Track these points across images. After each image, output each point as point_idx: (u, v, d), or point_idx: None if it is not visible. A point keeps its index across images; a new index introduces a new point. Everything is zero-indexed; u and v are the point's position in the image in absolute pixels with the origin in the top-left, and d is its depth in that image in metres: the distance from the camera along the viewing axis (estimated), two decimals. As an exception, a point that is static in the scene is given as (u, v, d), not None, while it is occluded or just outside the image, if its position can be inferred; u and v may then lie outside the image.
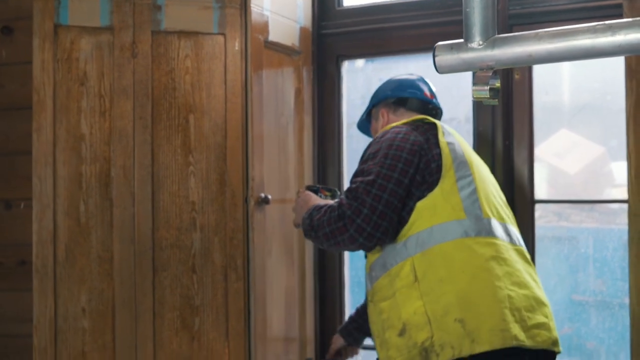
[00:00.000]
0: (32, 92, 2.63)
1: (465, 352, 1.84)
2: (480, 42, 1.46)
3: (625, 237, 2.96)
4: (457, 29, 2.93)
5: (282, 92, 2.87)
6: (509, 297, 1.89)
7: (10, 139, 2.92)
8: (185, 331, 2.59)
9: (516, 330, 1.86)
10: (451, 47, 1.50)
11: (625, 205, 2.98)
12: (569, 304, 3.01)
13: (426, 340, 1.87)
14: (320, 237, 1.99)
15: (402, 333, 1.91)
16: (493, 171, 2.49)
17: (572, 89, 3.17)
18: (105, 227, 2.54)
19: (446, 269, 1.89)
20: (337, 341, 2.73)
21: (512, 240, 2.01)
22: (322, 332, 3.08)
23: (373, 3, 3.09)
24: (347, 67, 3.16)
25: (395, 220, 1.91)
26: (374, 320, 2.03)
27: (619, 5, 2.52)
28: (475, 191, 1.96)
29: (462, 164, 1.97)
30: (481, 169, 2.07)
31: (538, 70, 2.85)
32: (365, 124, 2.54)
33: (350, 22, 3.08)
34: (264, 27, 2.70)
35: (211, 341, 2.60)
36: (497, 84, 1.48)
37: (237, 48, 2.63)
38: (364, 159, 2.04)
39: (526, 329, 1.90)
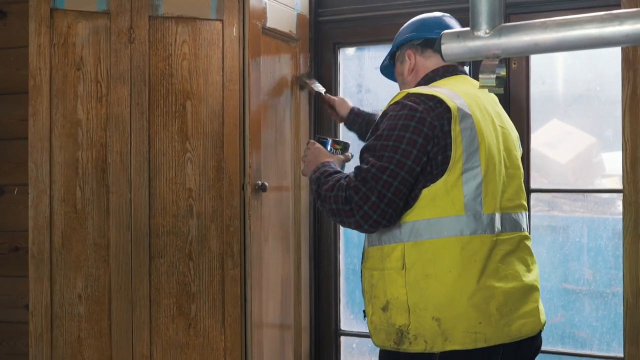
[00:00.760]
0: (25, 77, 2.61)
1: (437, 349, 1.87)
2: (487, 31, 1.46)
3: (617, 226, 2.99)
4: (455, 17, 2.94)
5: (280, 79, 2.86)
6: (493, 295, 1.90)
7: (3, 123, 2.90)
8: (181, 318, 2.59)
9: (491, 331, 1.89)
10: (457, 35, 1.49)
11: (616, 195, 3.02)
12: (560, 293, 3.03)
13: (403, 326, 1.90)
14: (326, 209, 1.95)
15: (385, 308, 1.94)
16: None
17: (564, 80, 3.17)
18: (101, 214, 2.53)
19: (434, 266, 1.88)
20: (343, 104, 2.80)
21: (512, 229, 2.00)
22: (317, 319, 3.09)
23: (370, -10, 3.08)
24: (343, 54, 3.16)
25: (401, 206, 1.89)
26: (366, 277, 2.04)
27: (618, -5, 2.53)
28: (480, 184, 1.91)
29: (472, 154, 1.90)
30: (494, 152, 1.96)
31: (535, 59, 2.85)
32: (389, 68, 2.38)
33: (347, 9, 3.07)
34: (262, 14, 2.68)
35: (207, 328, 2.60)
36: (503, 72, 1.49)
37: (234, 34, 2.61)
38: (377, 134, 1.92)
39: (511, 323, 1.92)
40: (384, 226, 1.89)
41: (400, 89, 2.23)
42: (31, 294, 2.47)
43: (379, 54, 3.14)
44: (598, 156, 3.36)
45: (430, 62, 2.16)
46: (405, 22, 2.91)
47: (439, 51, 2.06)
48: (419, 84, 2.13)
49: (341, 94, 3.13)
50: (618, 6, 2.54)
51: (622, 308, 2.69)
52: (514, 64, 2.83)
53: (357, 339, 3.18)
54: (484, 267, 1.90)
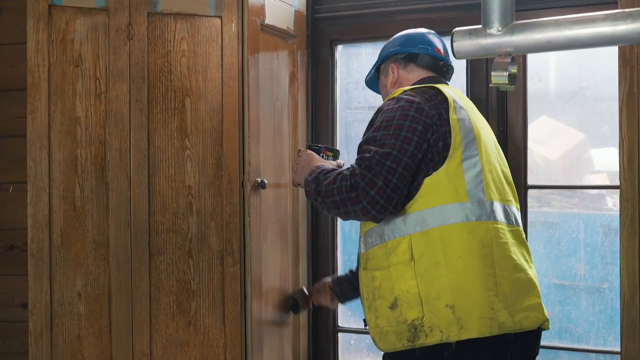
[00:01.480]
0: (21, 74, 2.59)
1: (453, 338, 1.88)
2: (499, 29, 1.47)
3: (606, 222, 3.02)
4: (451, 14, 2.96)
5: (277, 76, 2.85)
6: (500, 283, 1.93)
7: (-1, 121, 2.87)
8: (181, 315, 2.58)
9: (504, 317, 1.91)
10: (469, 33, 1.50)
11: (605, 191, 3.05)
12: (550, 289, 3.05)
13: (416, 320, 1.90)
14: (328, 204, 1.94)
15: (393, 307, 1.94)
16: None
17: (554, 77, 3.19)
18: (101, 211, 2.51)
19: (444, 253, 1.90)
20: (324, 286, 2.75)
21: (510, 222, 2.03)
22: (315, 316, 3.09)
23: (367, -13, 3.08)
24: (340, 51, 3.15)
25: (404, 194, 1.90)
26: (365, 283, 2.04)
27: (614, -7, 2.56)
28: (480, 172, 1.95)
29: (470, 143, 1.95)
30: (488, 145, 2.04)
31: (531, 56, 2.87)
32: (374, 80, 2.45)
33: (344, 6, 3.07)
34: (261, 10, 2.68)
35: (207, 325, 2.60)
36: (514, 69, 1.50)
37: (233, 31, 2.60)
38: (375, 126, 1.96)
39: (515, 313, 1.94)
40: (390, 213, 1.89)
41: (383, 100, 2.25)
42: (30, 292, 2.45)
43: (376, 50, 3.14)
44: (587, 152, 3.39)
45: (413, 75, 2.22)
46: (401, 18, 2.93)
47: (423, 65, 2.21)
48: None
49: (338, 91, 3.13)
50: (615, 4, 2.56)
51: (614, 303, 2.73)
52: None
53: (354, 336, 3.18)
54: (491, 253, 1.93)
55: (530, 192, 2.91)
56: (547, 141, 3.42)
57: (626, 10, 1.38)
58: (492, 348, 1.90)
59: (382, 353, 2.05)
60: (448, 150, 1.91)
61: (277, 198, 2.85)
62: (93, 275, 2.51)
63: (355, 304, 3.14)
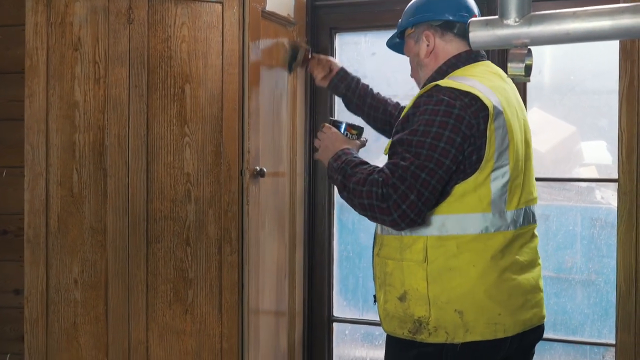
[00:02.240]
0: (16, 57, 2.55)
1: (458, 340, 1.88)
2: (517, 19, 1.46)
3: (596, 215, 3.04)
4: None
5: (276, 63, 2.83)
6: (512, 287, 1.92)
7: (-6, 104, 2.82)
8: (178, 304, 2.56)
9: (509, 322, 1.91)
10: (486, 24, 1.49)
11: (595, 184, 3.07)
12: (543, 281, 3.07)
13: (423, 317, 1.90)
14: (354, 203, 1.89)
15: (402, 298, 1.93)
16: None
17: (548, 69, 3.20)
18: (98, 198, 2.48)
19: (458, 260, 1.88)
20: (327, 65, 2.70)
21: (528, 222, 2.01)
22: (310, 306, 3.09)
23: (367, -25, 3.06)
24: (340, 39, 3.13)
25: (434, 204, 1.86)
26: (378, 264, 2.02)
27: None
28: (507, 183, 1.90)
29: (502, 152, 1.88)
30: (519, 144, 1.95)
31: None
32: (397, 43, 2.28)
33: (344, -6, 3.05)
34: (262, -4, 2.65)
35: (204, 314, 2.58)
36: (530, 61, 1.49)
37: (235, 17, 2.57)
38: (413, 128, 1.86)
39: (520, 316, 1.94)
40: (418, 225, 1.85)
41: (413, 69, 2.17)
42: (26, 278, 2.42)
43: (375, 38, 3.13)
44: (577, 145, 3.40)
45: (451, 46, 2.07)
46: (402, 8, 2.87)
47: (461, 35, 2.05)
48: (439, 69, 2.06)
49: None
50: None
51: (609, 295, 2.75)
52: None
53: (349, 326, 3.18)
54: (504, 261, 1.92)
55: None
56: (538, 133, 3.43)
57: (646, 3, 1.37)
58: (491, 345, 1.91)
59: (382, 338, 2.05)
60: (480, 162, 1.85)
61: (275, 186, 2.83)
62: (90, 262, 2.48)
63: (351, 294, 3.15)
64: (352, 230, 3.19)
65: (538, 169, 3.34)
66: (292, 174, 2.94)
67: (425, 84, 2.07)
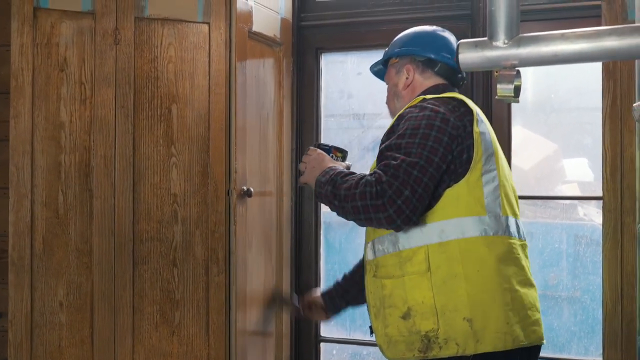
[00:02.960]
0: (3, 76, 2.53)
1: (470, 351, 1.87)
2: (505, 41, 1.47)
3: (578, 231, 3.06)
4: (438, 25, 2.95)
5: (264, 83, 2.83)
6: (515, 297, 1.93)
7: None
8: (165, 325, 2.54)
9: (518, 331, 1.91)
10: (475, 45, 1.51)
11: (577, 201, 3.09)
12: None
13: (431, 331, 1.88)
14: (347, 208, 1.88)
15: (405, 317, 1.91)
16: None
17: (530, 87, 3.24)
18: (84, 219, 2.46)
19: (462, 266, 1.88)
20: (316, 300, 2.55)
21: (520, 236, 2.04)
22: (298, 326, 3.07)
23: (352, -4, 3.08)
24: (325, 59, 3.15)
25: (426, 204, 1.87)
26: (372, 291, 2.01)
27: (598, 7, 2.59)
28: (498, 187, 1.94)
29: (489, 157, 1.94)
30: (503, 160, 2.04)
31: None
32: (380, 70, 2.34)
33: (329, 14, 3.06)
34: (248, 17, 2.66)
35: (191, 336, 2.56)
36: (519, 82, 1.50)
37: (221, 37, 2.58)
38: (399, 133, 1.91)
39: (525, 327, 1.94)
40: (413, 223, 1.86)
41: (389, 97, 2.23)
42: (11, 301, 2.39)
43: (361, 58, 3.14)
44: (559, 163, 3.43)
45: (428, 82, 2.16)
46: (388, 28, 2.90)
47: (440, 74, 2.14)
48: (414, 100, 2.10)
49: (323, 100, 3.12)
50: (598, 17, 2.60)
51: (595, 312, 2.76)
52: (497, 71, 2.86)
53: (337, 346, 3.17)
54: (507, 267, 1.92)
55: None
56: (521, 151, 3.46)
57: (631, 25, 1.40)
58: (503, 357, 1.89)
59: None
60: (470, 162, 1.89)
61: (261, 206, 2.83)
62: (75, 284, 2.45)
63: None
64: (339, 250, 3.18)
65: (521, 187, 3.37)
66: (279, 194, 2.94)
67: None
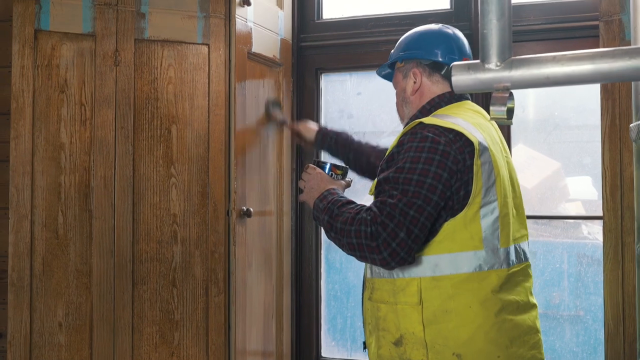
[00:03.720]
0: (4, 98, 2.55)
1: None
2: (498, 63, 1.48)
3: (583, 251, 3.04)
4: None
5: (263, 103, 2.84)
6: (510, 327, 1.90)
7: (-21, 145, 2.81)
8: (164, 346, 2.53)
9: None
10: (468, 67, 1.51)
11: (581, 220, 3.08)
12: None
13: None
14: (342, 243, 1.86)
15: (397, 343, 1.89)
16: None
17: (532, 105, 3.24)
18: (84, 239, 2.47)
19: (454, 302, 1.85)
20: (310, 128, 2.66)
21: (520, 260, 2.00)
22: (299, 346, 3.06)
23: (352, 17, 3.10)
24: (325, 79, 3.16)
25: (423, 241, 1.84)
26: (369, 309, 1.99)
27: (596, 27, 2.60)
28: (497, 219, 1.89)
29: (490, 188, 1.88)
30: (505, 181, 1.96)
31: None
32: (389, 73, 2.29)
33: (329, 35, 3.08)
34: (248, 38, 2.67)
35: (190, 356, 2.55)
36: (512, 104, 1.50)
37: (221, 58, 2.59)
38: (399, 166, 1.85)
39: (523, 355, 1.91)
40: (408, 263, 1.82)
41: (398, 103, 2.17)
42: (10, 322, 2.39)
43: (361, 79, 3.15)
44: (562, 181, 3.43)
45: (437, 87, 2.09)
46: (388, 49, 2.89)
47: (448, 77, 2.05)
48: (423, 108, 2.07)
49: (323, 119, 3.13)
50: (596, 37, 2.61)
51: (598, 333, 2.74)
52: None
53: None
54: (500, 300, 1.89)
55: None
56: (523, 170, 3.46)
57: (623, 47, 1.40)
58: None
59: None
60: (468, 198, 1.84)
61: (261, 226, 2.83)
62: (75, 305, 2.46)
63: (339, 333, 3.13)
64: (339, 270, 3.18)
65: (524, 206, 3.38)
66: (279, 214, 2.94)
67: (408, 122, 2.09)
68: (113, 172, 2.48)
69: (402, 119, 2.18)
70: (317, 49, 3.09)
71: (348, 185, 2.15)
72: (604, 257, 2.59)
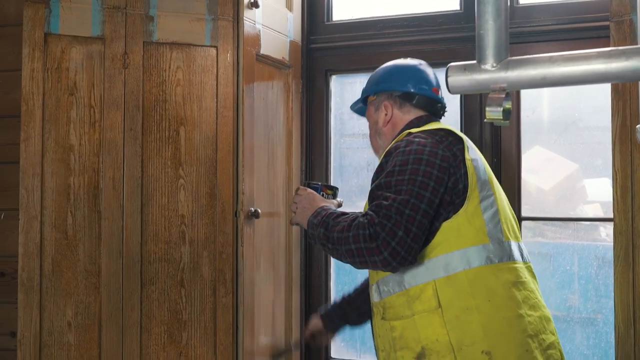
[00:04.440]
0: (15, 101, 2.58)
1: None
2: (494, 64, 1.47)
3: (600, 253, 3.01)
4: (445, 46, 2.98)
5: (273, 105, 2.86)
6: (529, 323, 1.88)
7: (-9, 147, 2.86)
8: (172, 346, 2.55)
9: (539, 357, 1.86)
10: (464, 68, 1.51)
11: (598, 222, 3.05)
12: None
13: None
14: (341, 252, 1.83)
15: (420, 357, 1.85)
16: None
17: (547, 106, 3.21)
18: (93, 240, 2.50)
19: (473, 298, 1.83)
20: (316, 325, 2.49)
21: (524, 259, 1.99)
22: (308, 347, 3.06)
23: (361, 18, 3.10)
24: (335, 81, 3.17)
25: (423, 241, 1.82)
26: (382, 334, 1.96)
27: (606, 27, 2.58)
28: (497, 212, 1.90)
29: (485, 184, 1.90)
30: (498, 185, 2.00)
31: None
32: (361, 107, 2.33)
33: (338, 37, 3.09)
34: (256, 40, 2.69)
35: (198, 356, 2.57)
36: (509, 105, 1.50)
37: (229, 60, 2.61)
38: (388, 171, 1.87)
39: (543, 352, 1.89)
40: (409, 263, 1.80)
41: (372, 135, 2.21)
42: (20, 321, 2.42)
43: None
44: (580, 183, 3.40)
45: (409, 115, 2.13)
46: (397, 50, 2.92)
47: (419, 106, 2.12)
48: (399, 134, 2.08)
49: (332, 121, 3.14)
50: (607, 38, 2.58)
51: (609, 336, 2.71)
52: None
53: (350, 366, 3.16)
54: (516, 294, 1.87)
55: (524, 223, 2.90)
56: (540, 171, 3.43)
57: (620, 48, 1.39)
58: None
59: None
60: (467, 192, 1.85)
61: (270, 228, 2.84)
62: (84, 305, 2.48)
63: (348, 335, 3.13)
64: (349, 271, 3.18)
65: (541, 207, 3.35)
66: (288, 215, 2.95)
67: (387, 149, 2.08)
68: (122, 173, 2.51)
69: (376, 151, 2.22)
70: (326, 51, 3.10)
71: (339, 205, 2.14)
72: (614, 259, 2.56)
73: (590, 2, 2.77)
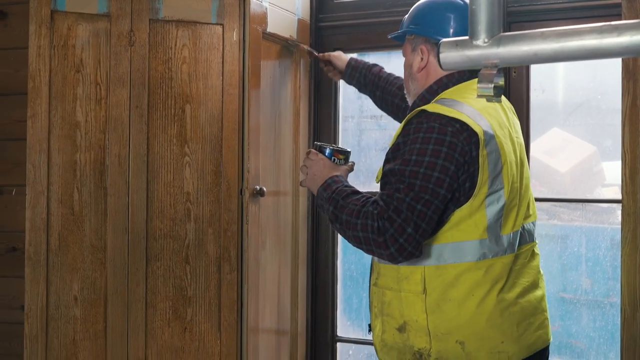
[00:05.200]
0: (24, 78, 2.61)
1: None
2: (486, 40, 1.45)
3: (616, 236, 2.98)
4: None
5: (279, 84, 2.86)
6: (515, 312, 1.89)
7: (1, 124, 2.89)
8: (177, 322, 2.58)
9: (513, 349, 1.87)
10: (456, 44, 1.49)
11: (616, 205, 3.01)
12: (558, 302, 3.03)
13: (423, 349, 1.86)
14: (348, 235, 1.83)
15: (401, 329, 1.89)
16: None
17: (563, 88, 3.17)
18: (99, 216, 2.52)
19: (457, 291, 1.84)
20: (339, 58, 2.70)
21: (524, 242, 1.97)
22: (314, 326, 3.08)
23: (371, -4, 3.07)
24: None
25: (430, 234, 1.82)
26: (375, 292, 1.98)
27: (618, 5, 2.53)
28: (502, 208, 1.86)
29: (496, 177, 1.84)
30: (514, 166, 1.91)
31: (535, 68, 2.85)
32: (401, 36, 2.18)
33: (348, 15, 3.07)
34: (263, 18, 2.68)
35: (203, 332, 2.60)
36: (501, 81, 1.48)
37: (235, 39, 2.61)
38: (405, 157, 1.81)
39: (524, 341, 1.90)
40: (416, 257, 1.80)
41: (405, 77, 2.12)
42: (27, 295, 2.46)
43: (380, 59, 3.13)
44: (598, 165, 3.36)
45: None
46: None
47: None
48: (430, 88, 2.02)
49: (341, 100, 3.13)
50: (619, 16, 2.54)
51: (616, 319, 2.69)
52: (514, 72, 2.82)
53: (353, 346, 3.17)
54: (503, 286, 1.88)
55: (538, 204, 2.88)
56: (557, 153, 3.39)
57: (613, 23, 1.36)
58: None
59: None
60: (474, 189, 1.82)
61: (276, 206, 2.85)
62: (90, 280, 2.52)
63: (355, 313, 3.14)
64: (356, 250, 3.17)
65: (558, 189, 3.32)
66: (295, 194, 2.95)
67: (415, 101, 2.06)
68: (127, 150, 2.53)
69: (408, 93, 2.14)
70: (335, 29, 3.08)
71: (351, 169, 2.10)
72: (622, 241, 2.54)
73: (602, -21, 2.72)
